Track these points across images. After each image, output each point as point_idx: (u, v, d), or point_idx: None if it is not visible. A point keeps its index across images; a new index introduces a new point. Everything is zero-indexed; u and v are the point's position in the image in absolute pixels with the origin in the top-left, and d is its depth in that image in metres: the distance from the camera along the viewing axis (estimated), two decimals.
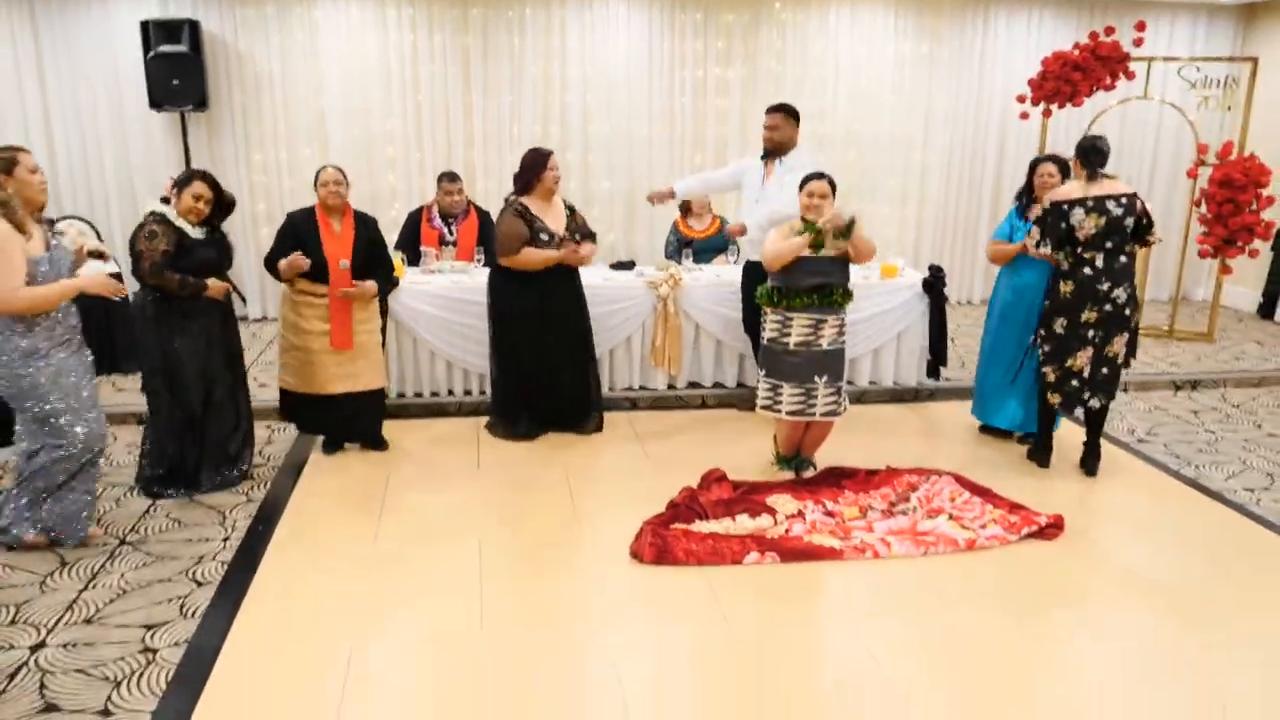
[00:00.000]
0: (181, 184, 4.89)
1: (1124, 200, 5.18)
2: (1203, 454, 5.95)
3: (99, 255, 4.99)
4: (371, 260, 5.47)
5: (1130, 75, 8.06)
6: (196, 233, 4.92)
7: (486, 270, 6.65)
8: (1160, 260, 9.88)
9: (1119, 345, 5.30)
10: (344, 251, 5.34)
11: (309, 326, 5.39)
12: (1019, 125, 9.07)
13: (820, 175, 5.10)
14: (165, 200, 4.91)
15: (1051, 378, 5.38)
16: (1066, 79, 7.98)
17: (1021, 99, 8.30)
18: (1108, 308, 5.22)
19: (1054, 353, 5.35)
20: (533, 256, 5.61)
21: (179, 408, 4.96)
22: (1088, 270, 5.21)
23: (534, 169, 5.63)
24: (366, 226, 5.49)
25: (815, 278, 5.02)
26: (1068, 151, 7.66)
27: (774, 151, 6.07)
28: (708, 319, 6.63)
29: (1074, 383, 5.33)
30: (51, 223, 4.38)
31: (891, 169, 9.61)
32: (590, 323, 6.02)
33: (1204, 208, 8.11)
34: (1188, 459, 5.85)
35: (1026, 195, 5.80)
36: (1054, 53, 8.09)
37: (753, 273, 6.08)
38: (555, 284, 5.75)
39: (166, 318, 4.88)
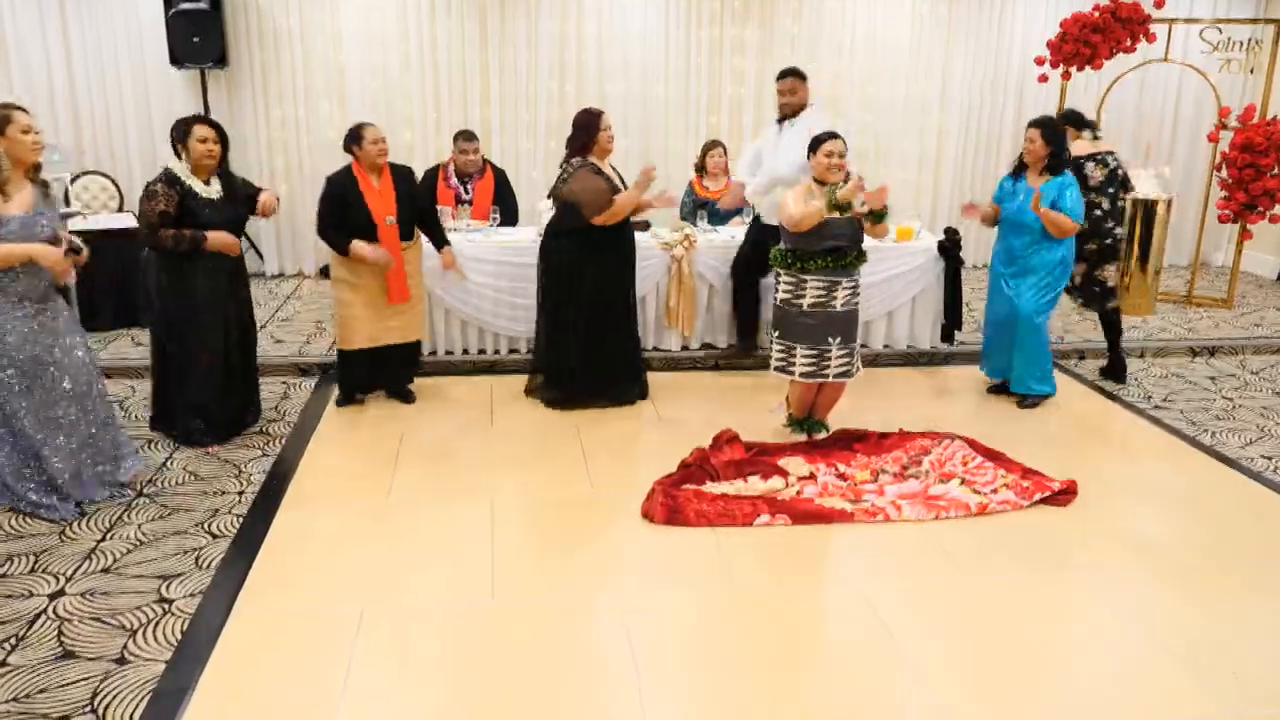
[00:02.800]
0: (182, 135, 4.85)
1: (1114, 155, 6.55)
2: (1220, 421, 5.92)
3: (75, 250, 4.48)
4: (417, 213, 5.60)
5: (1151, 38, 7.95)
6: (211, 190, 4.91)
7: (502, 229, 6.69)
8: (1180, 225, 9.79)
9: (1110, 273, 6.47)
10: (388, 208, 5.39)
11: (362, 283, 5.47)
12: (1037, 88, 8.93)
13: (834, 135, 5.07)
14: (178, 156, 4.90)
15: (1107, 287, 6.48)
16: (1085, 41, 7.88)
17: (1040, 61, 8.20)
18: (1108, 241, 6.43)
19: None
20: (623, 200, 5.54)
21: (179, 359, 5.03)
22: (1097, 212, 6.33)
23: (589, 130, 5.56)
24: (406, 180, 5.55)
25: (829, 240, 5.00)
26: (1088, 113, 7.58)
27: (791, 115, 6.08)
28: (722, 280, 6.62)
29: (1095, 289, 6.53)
30: (46, 185, 4.31)
31: (908, 132, 9.52)
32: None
33: (1224, 172, 8.03)
34: (1204, 426, 5.82)
35: (1021, 158, 5.90)
36: (1073, 14, 7.98)
37: (759, 235, 6.16)
38: (623, 241, 5.75)
39: (169, 274, 4.93)
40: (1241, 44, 8.32)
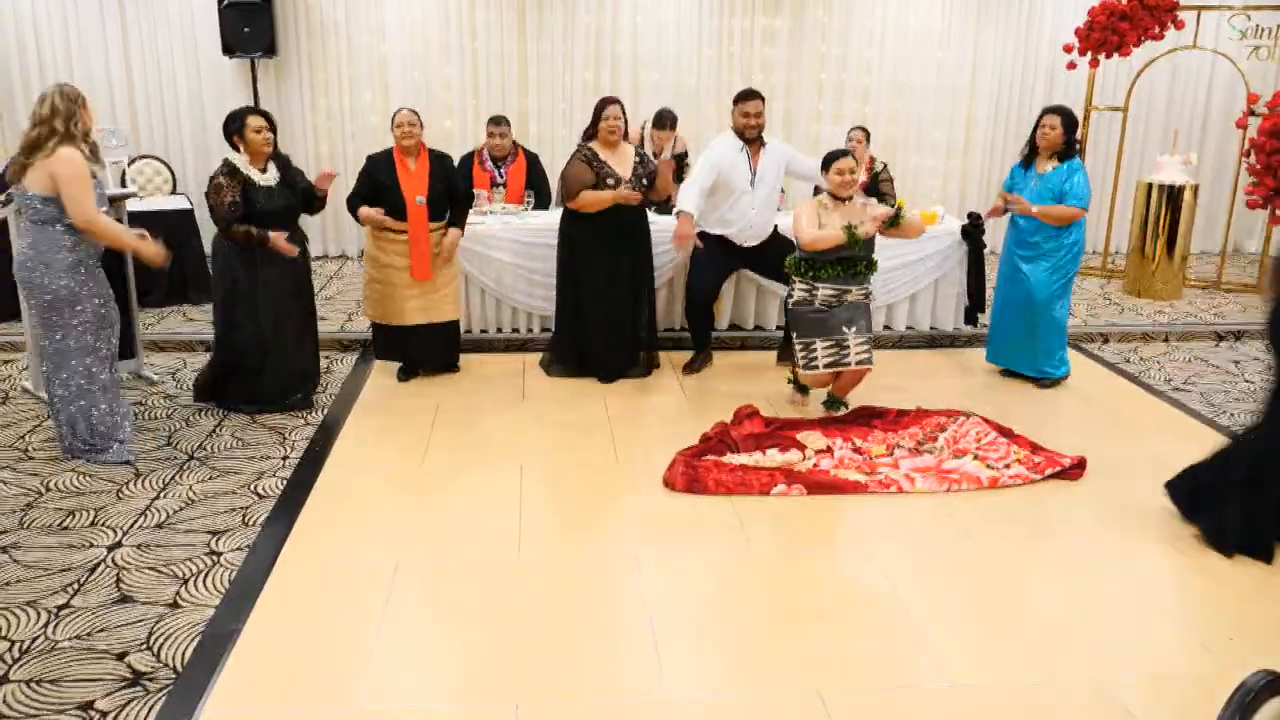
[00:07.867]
0: (238, 128, 5.15)
1: None
2: (1239, 403, 5.95)
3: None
4: (448, 194, 5.81)
5: (1179, 25, 7.98)
6: (268, 178, 5.21)
7: (536, 212, 6.91)
8: (1211, 211, 9.79)
9: None
10: (420, 189, 5.65)
11: (389, 260, 5.75)
12: (1066, 76, 8.99)
13: (845, 153, 5.26)
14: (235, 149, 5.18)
15: None
16: (1114, 29, 7.93)
17: (1069, 49, 8.25)
18: None
19: None
20: (589, 198, 5.80)
21: (244, 336, 5.28)
22: None
23: (595, 116, 5.88)
24: (442, 164, 5.81)
25: (841, 251, 5.20)
26: (1116, 100, 7.65)
27: (755, 138, 5.96)
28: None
29: None
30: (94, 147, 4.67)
31: (937, 120, 9.61)
32: (653, 266, 6.22)
33: (1253, 158, 8.03)
34: (1223, 407, 5.87)
35: (1031, 146, 5.96)
36: (1101, 2, 8.03)
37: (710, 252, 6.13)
38: (622, 226, 5.92)
39: (240, 256, 5.21)
40: (1270, 31, 8.32)
